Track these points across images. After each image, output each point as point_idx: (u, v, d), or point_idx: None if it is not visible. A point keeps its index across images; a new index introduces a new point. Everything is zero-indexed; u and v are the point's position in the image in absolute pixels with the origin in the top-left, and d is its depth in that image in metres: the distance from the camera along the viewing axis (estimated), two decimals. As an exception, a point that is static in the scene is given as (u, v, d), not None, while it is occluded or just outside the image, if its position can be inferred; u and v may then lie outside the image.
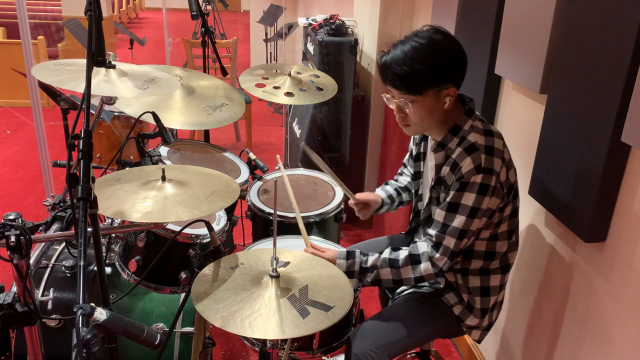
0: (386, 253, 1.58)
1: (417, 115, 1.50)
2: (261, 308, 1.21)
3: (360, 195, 1.85)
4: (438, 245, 1.51)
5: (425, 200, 1.66)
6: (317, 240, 1.93)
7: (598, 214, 1.49)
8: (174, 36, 5.62)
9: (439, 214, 1.51)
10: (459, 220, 1.47)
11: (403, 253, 1.56)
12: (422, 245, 1.56)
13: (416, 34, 1.47)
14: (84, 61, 1.30)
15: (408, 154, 1.92)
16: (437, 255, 1.51)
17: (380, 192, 1.91)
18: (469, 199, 1.45)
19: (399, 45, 1.46)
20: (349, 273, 1.55)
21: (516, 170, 1.56)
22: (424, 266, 1.53)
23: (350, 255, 1.60)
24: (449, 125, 1.52)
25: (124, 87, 1.43)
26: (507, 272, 1.64)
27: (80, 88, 1.30)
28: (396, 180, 1.97)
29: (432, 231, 1.53)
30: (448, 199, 1.48)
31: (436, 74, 1.45)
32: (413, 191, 1.92)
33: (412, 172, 1.79)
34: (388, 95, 1.54)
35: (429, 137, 1.66)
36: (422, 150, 1.73)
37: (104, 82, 1.42)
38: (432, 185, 1.58)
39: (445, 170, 1.50)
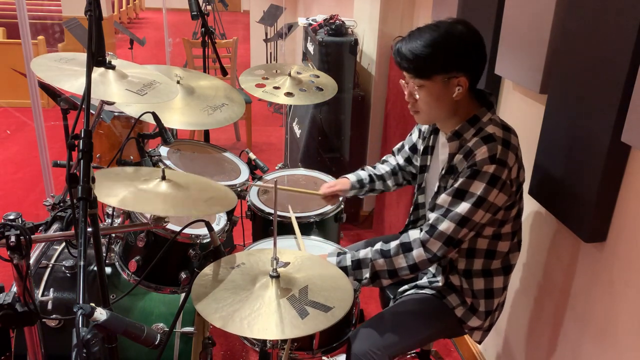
0: (378, 245, 1.57)
1: (425, 101, 1.49)
2: (261, 308, 1.21)
3: (327, 190, 1.97)
4: (433, 228, 1.48)
5: (433, 191, 1.63)
6: (316, 241, 1.93)
7: (598, 214, 1.49)
8: (174, 36, 5.62)
9: (443, 199, 1.48)
10: (463, 207, 1.44)
11: (394, 242, 1.55)
12: (414, 233, 1.53)
13: (437, 23, 1.46)
14: (84, 55, 1.30)
15: (406, 146, 1.89)
16: (430, 238, 1.48)
17: (351, 176, 1.96)
18: (477, 187, 1.42)
19: (417, 31, 1.46)
20: (342, 269, 1.52)
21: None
22: (416, 252, 1.50)
23: (341, 253, 1.61)
24: (464, 117, 1.51)
25: (122, 94, 1.43)
26: (509, 273, 1.63)
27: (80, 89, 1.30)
28: (374, 167, 1.97)
29: (431, 215, 1.50)
30: (456, 185, 1.45)
31: (445, 60, 1.43)
32: (389, 183, 1.93)
33: (418, 166, 1.77)
34: (404, 82, 1.54)
35: (440, 132, 1.65)
36: (430, 144, 1.71)
37: (101, 86, 1.42)
38: (442, 175, 1.55)
39: (459, 157, 1.48)
